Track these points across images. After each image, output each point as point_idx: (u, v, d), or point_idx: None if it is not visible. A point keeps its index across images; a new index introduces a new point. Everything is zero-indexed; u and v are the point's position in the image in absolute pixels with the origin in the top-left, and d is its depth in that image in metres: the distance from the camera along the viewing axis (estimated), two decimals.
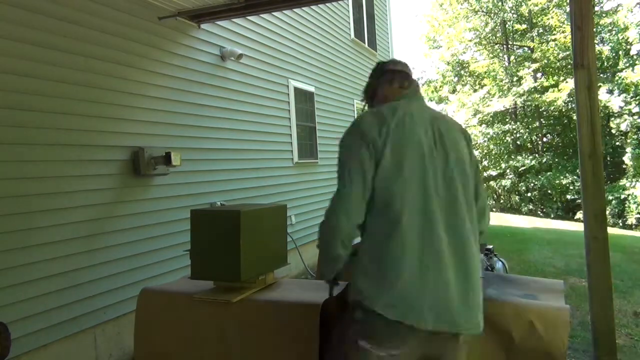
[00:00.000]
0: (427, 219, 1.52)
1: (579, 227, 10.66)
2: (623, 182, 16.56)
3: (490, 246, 3.63)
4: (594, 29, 3.95)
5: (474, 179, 1.68)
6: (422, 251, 1.49)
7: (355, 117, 9.74)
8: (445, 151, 1.61)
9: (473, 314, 1.52)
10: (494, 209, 20.09)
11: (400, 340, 1.49)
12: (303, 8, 7.09)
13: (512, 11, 20.58)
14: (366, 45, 10.14)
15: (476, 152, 20.03)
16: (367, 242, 1.57)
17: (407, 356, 1.52)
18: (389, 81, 1.82)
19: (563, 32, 17.84)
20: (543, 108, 19.14)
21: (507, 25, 20.89)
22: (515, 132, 19.87)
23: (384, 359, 1.50)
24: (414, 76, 1.88)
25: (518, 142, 20.58)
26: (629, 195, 15.96)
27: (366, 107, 1.91)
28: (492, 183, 20.41)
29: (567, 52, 17.50)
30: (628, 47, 16.71)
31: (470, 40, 21.68)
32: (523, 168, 18.90)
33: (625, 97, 16.20)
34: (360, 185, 1.55)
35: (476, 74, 21.65)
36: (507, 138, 20.11)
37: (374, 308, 1.47)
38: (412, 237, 1.49)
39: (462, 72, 22.35)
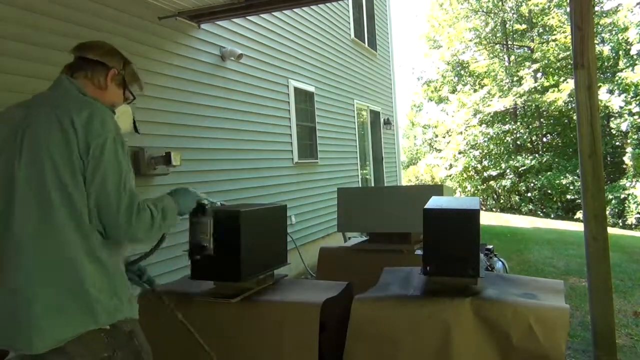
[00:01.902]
0: None
1: (579, 227, 10.66)
2: (623, 182, 16.55)
3: (490, 246, 3.64)
4: (594, 29, 3.95)
5: (75, 185, 1.41)
6: None
7: (355, 117, 9.67)
8: (20, 157, 1.43)
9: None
10: (494, 209, 20.09)
11: None
12: (303, 8, 7.09)
13: (512, 11, 20.58)
14: (366, 45, 10.14)
15: (476, 152, 20.01)
16: None
17: None
18: None
19: (563, 32, 17.84)
20: (543, 108, 19.14)
21: (507, 25, 20.89)
22: (515, 132, 19.87)
23: None
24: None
25: (518, 142, 20.58)
26: (629, 195, 15.95)
27: None
28: (492, 183, 20.41)
29: (568, 52, 17.49)
30: (628, 47, 16.69)
31: (471, 40, 21.67)
32: (523, 168, 18.89)
33: (625, 97, 16.18)
34: None
35: (476, 74, 21.65)
36: (507, 138, 20.10)
37: None
38: None
39: (462, 72, 22.34)
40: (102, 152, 1.42)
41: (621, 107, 16.27)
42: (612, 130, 17.80)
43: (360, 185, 9.14)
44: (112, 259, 1.49)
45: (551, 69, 18.78)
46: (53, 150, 1.41)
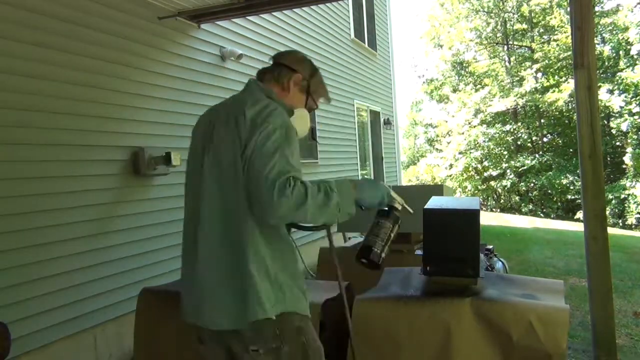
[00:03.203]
0: (192, 226, 1.57)
1: (579, 227, 10.65)
2: (623, 182, 16.56)
3: (490, 246, 3.64)
4: (594, 29, 3.95)
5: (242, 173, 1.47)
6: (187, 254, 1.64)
7: (355, 117, 9.60)
8: (211, 150, 1.55)
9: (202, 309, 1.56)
10: (494, 209, 20.09)
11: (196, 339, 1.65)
12: (303, 8, 7.09)
13: (513, 11, 20.58)
14: (366, 45, 10.14)
15: (477, 153, 20.01)
16: None
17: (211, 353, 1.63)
18: None
19: (564, 32, 17.84)
20: (544, 108, 19.14)
21: (508, 25, 20.89)
22: (515, 132, 19.87)
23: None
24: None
25: (518, 142, 20.58)
26: (629, 195, 15.95)
27: None
28: (492, 183, 20.41)
29: (568, 52, 17.49)
30: (628, 47, 16.71)
31: (471, 40, 21.68)
32: (523, 168, 18.89)
33: (626, 97, 16.19)
34: None
35: (477, 74, 21.65)
36: (508, 138, 20.11)
37: None
38: (185, 244, 1.65)
39: (463, 72, 22.35)
40: (262, 141, 1.43)
41: (621, 107, 16.28)
42: (612, 130, 17.80)
43: None
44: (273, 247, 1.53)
45: (552, 69, 18.79)
46: (224, 147, 1.51)
